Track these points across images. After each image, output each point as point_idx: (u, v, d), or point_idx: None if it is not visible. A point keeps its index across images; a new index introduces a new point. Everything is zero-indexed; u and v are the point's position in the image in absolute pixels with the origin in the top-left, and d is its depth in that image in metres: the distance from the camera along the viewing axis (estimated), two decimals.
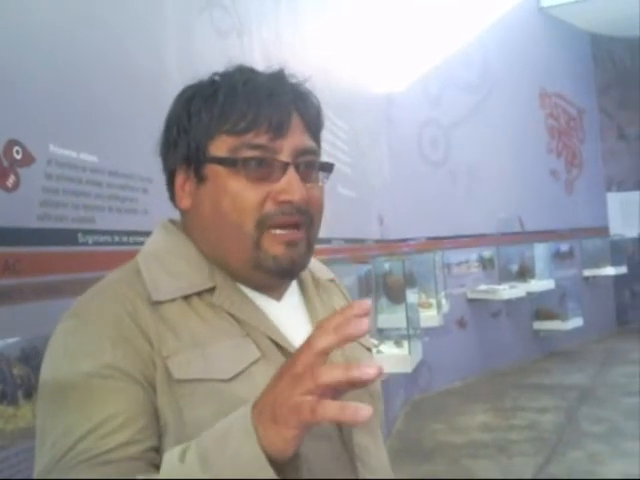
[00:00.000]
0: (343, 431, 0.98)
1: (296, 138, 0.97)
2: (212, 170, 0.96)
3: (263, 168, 0.94)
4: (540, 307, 7.96)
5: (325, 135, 3.45)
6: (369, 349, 1.17)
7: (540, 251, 7.96)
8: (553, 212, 8.51)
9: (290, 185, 0.94)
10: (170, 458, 0.77)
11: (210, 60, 2.38)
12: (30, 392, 1.37)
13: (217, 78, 1.01)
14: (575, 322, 7.85)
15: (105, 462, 0.81)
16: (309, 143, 1.00)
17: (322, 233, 1.04)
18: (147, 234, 1.94)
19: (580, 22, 9.13)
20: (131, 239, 1.79)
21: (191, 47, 2.30)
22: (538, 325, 8.00)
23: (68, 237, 1.53)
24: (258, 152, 0.94)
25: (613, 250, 9.08)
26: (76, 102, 1.63)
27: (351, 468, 0.97)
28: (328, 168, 1.04)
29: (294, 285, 1.08)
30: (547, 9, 8.65)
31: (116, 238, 1.72)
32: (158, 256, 1.00)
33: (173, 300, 0.94)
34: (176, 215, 1.08)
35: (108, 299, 0.93)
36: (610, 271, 8.92)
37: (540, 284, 7.66)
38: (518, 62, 8.07)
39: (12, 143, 1.37)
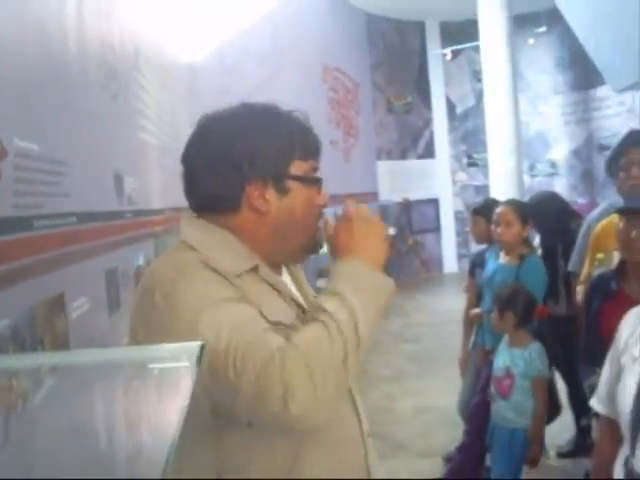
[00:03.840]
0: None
1: None
2: (294, 185, 1.31)
3: (319, 184, 1.36)
4: (323, 267, 8.63)
5: (138, 105, 3.64)
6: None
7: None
8: (333, 178, 9.09)
9: (325, 195, 1.38)
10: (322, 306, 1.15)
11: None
12: None
13: (272, 111, 1.40)
14: None
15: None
16: None
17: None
18: (69, 215, 2.03)
19: (357, 2, 9.84)
20: (58, 222, 1.88)
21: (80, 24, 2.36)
22: (321, 283, 8.65)
23: (29, 223, 1.62)
24: (317, 173, 1.37)
25: (385, 214, 10.04)
26: (19, 92, 1.69)
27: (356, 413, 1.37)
28: None
29: None
30: None
31: (53, 221, 1.81)
32: (213, 242, 1.26)
33: (238, 274, 1.21)
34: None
35: (194, 270, 1.18)
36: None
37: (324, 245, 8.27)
38: (304, 37, 8.51)
39: None
